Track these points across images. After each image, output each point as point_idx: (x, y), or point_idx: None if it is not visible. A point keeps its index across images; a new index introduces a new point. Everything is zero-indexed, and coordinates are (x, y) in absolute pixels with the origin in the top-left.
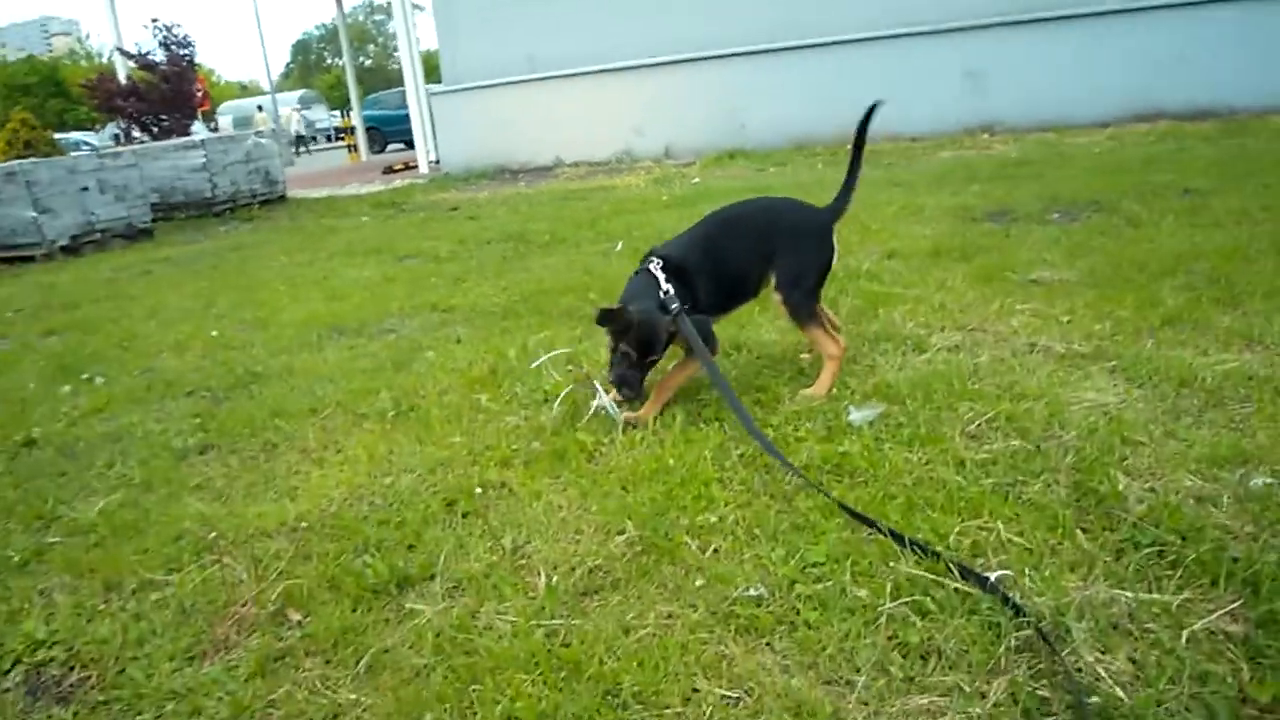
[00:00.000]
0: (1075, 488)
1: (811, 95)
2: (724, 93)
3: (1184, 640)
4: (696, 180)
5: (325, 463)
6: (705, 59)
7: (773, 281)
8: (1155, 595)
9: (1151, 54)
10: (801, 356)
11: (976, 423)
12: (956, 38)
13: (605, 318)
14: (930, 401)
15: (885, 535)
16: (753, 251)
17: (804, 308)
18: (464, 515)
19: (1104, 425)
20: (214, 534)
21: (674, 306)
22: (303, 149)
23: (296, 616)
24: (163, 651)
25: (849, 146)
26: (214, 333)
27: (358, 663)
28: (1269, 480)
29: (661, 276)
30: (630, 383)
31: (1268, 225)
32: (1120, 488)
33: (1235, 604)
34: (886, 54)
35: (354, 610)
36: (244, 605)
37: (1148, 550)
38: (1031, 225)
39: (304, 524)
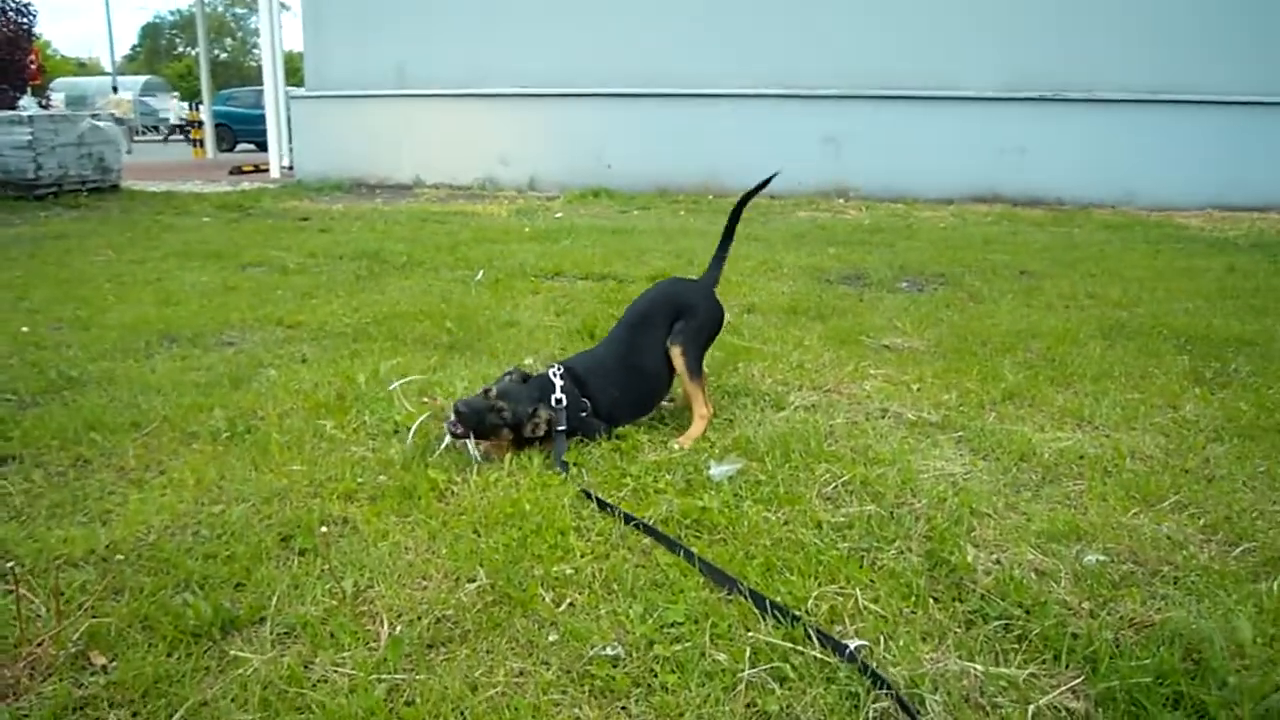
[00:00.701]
0: (928, 556)
1: (677, 143)
2: (592, 131)
3: (1030, 716)
4: (560, 215)
5: (146, 485)
6: (576, 95)
7: (673, 345)
8: (1004, 669)
9: (997, 141)
10: (663, 403)
11: (833, 485)
12: (818, 104)
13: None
14: (788, 460)
15: (746, 598)
16: (661, 330)
17: (697, 363)
18: (301, 552)
19: (952, 495)
20: (9, 560)
21: (560, 428)
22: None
23: (101, 661)
24: None
25: (710, 197)
26: (24, 328)
27: (170, 717)
28: (1101, 558)
29: (559, 383)
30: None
31: (1094, 311)
32: (969, 558)
33: (1076, 680)
34: (751, 111)
35: (169, 655)
36: (40, 645)
37: (996, 623)
38: (883, 291)
39: (117, 554)
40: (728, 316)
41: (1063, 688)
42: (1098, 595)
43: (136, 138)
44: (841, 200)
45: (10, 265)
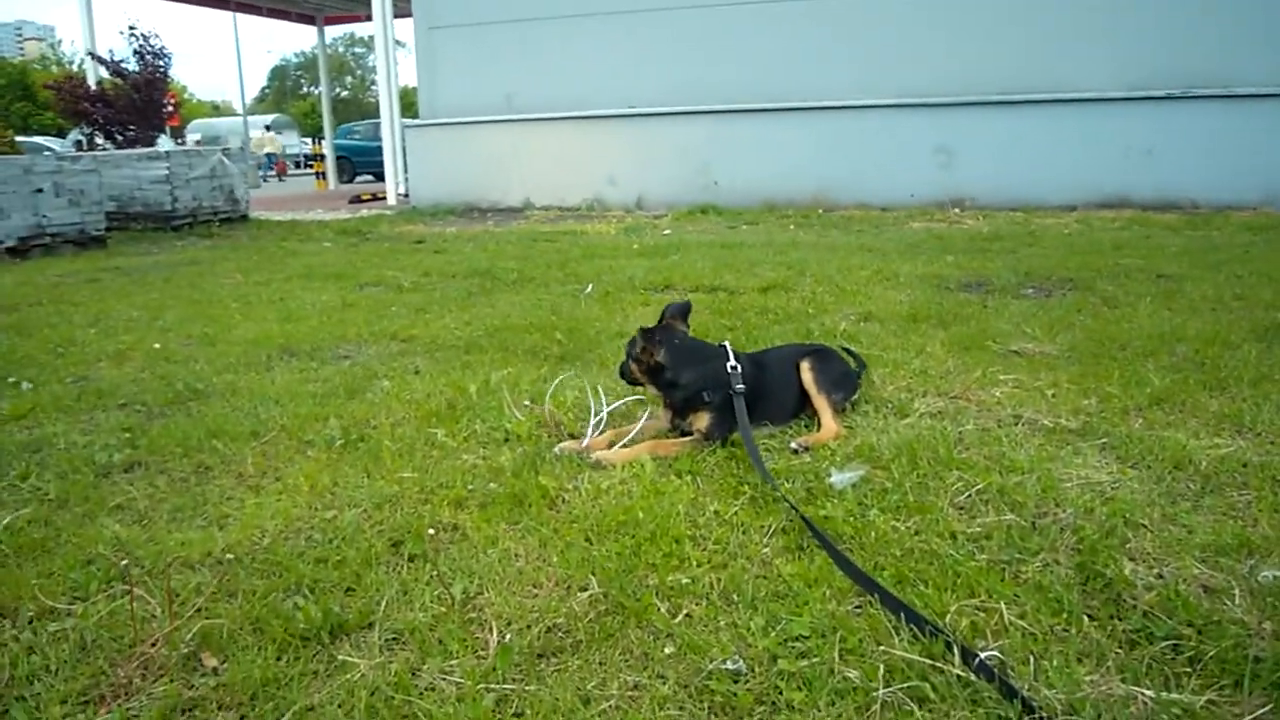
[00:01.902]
0: (1078, 570)
1: (784, 158)
2: (698, 148)
3: None
4: (668, 231)
5: (262, 490)
6: (681, 114)
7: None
8: (1177, 695)
9: (1121, 143)
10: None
11: (966, 494)
12: (929, 113)
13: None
14: (916, 468)
15: (889, 607)
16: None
17: (826, 379)
18: (410, 558)
19: (1100, 505)
20: (128, 560)
21: (738, 387)
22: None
23: (212, 662)
24: (55, 692)
25: (820, 211)
26: (156, 345)
27: None
28: (1279, 574)
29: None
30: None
31: (1243, 314)
32: (1127, 572)
33: (1263, 709)
34: (859, 124)
35: (278, 659)
36: (153, 644)
37: (1162, 643)
38: (1008, 298)
39: (231, 556)
40: (843, 325)
41: (1248, 717)
42: (1279, 615)
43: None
44: (957, 210)
45: (147, 289)
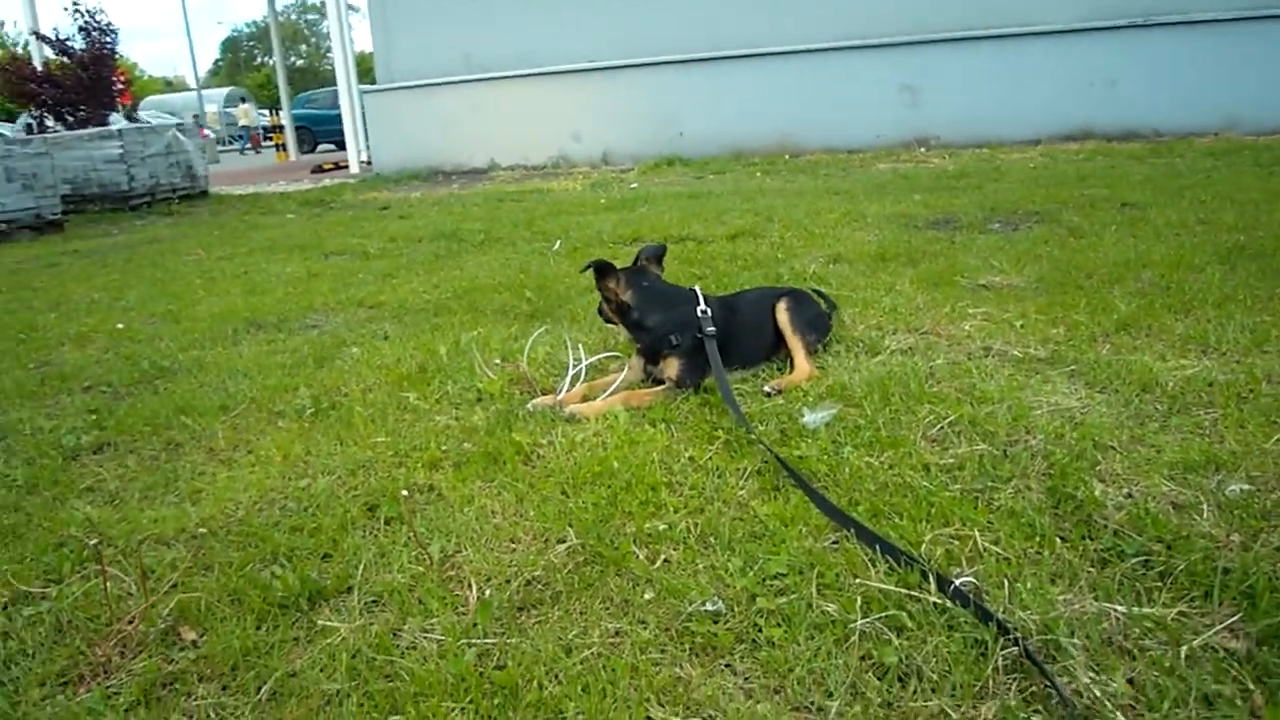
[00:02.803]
0: (1049, 494)
1: (748, 105)
2: (662, 100)
3: (1183, 659)
4: (635, 185)
5: (234, 464)
6: (643, 65)
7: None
8: (1148, 609)
9: (1084, 75)
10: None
11: (938, 426)
12: (892, 52)
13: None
14: (888, 404)
15: (865, 540)
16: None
17: (801, 320)
18: (387, 521)
19: (1071, 430)
20: (99, 540)
21: (709, 330)
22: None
23: (190, 635)
24: (33, 675)
25: (786, 156)
26: (120, 325)
27: (259, 689)
28: (1246, 487)
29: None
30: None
31: (1208, 237)
32: (1097, 493)
33: (1233, 618)
34: (823, 66)
35: (258, 628)
36: (130, 622)
37: (1133, 560)
38: (975, 233)
39: (205, 530)
40: (812, 267)
41: (1218, 626)
42: (1247, 526)
43: (221, 147)
44: (923, 149)
45: (108, 270)
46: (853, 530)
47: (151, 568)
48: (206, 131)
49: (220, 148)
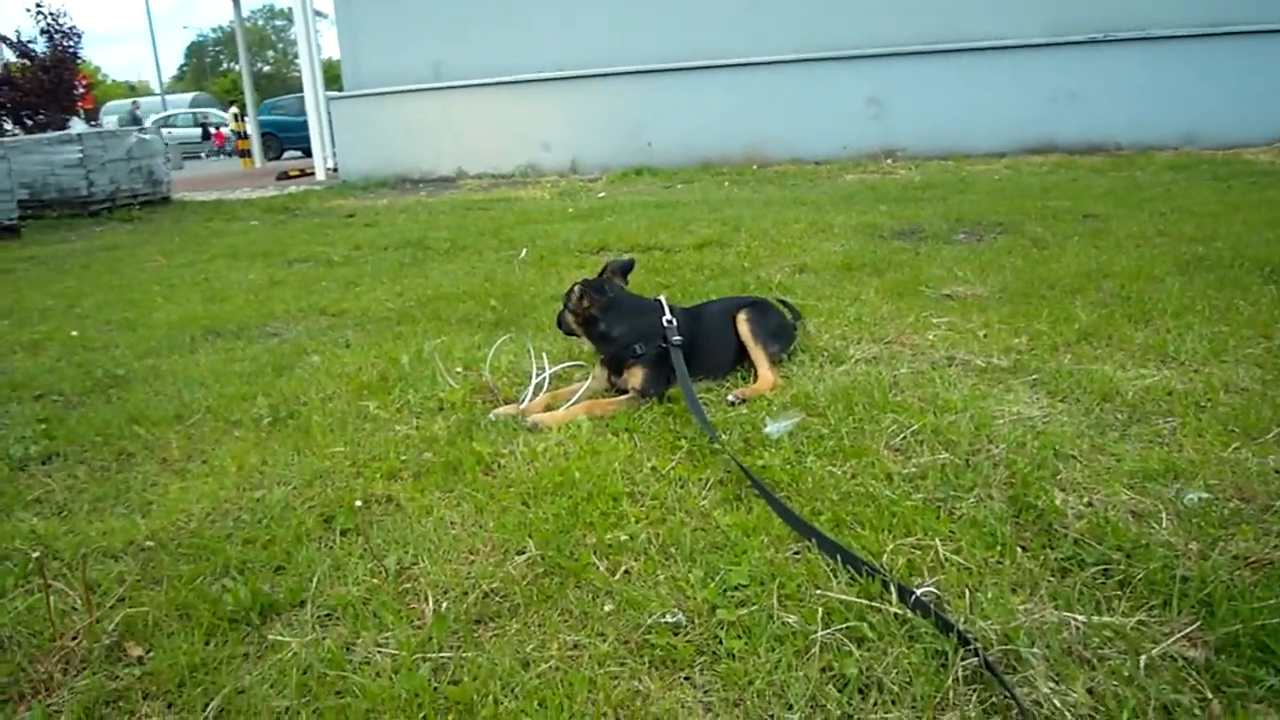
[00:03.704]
0: (1011, 503)
1: (717, 116)
2: (631, 110)
3: (1143, 668)
4: (603, 194)
5: (187, 474)
6: (612, 75)
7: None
8: (1108, 618)
9: (1048, 89)
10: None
11: (901, 435)
12: (859, 65)
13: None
14: (851, 413)
15: (826, 550)
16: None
17: (763, 330)
18: (343, 533)
19: (1032, 439)
20: (43, 553)
21: (675, 339)
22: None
23: (136, 651)
24: None
25: (755, 167)
26: (74, 333)
27: (206, 706)
28: (1204, 495)
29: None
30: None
31: (1167, 248)
32: (1058, 502)
33: (1192, 626)
34: (791, 78)
35: (206, 643)
36: (74, 638)
37: (1093, 569)
38: (940, 244)
39: (153, 542)
40: (778, 277)
41: (1177, 635)
42: (1205, 535)
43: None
44: (889, 161)
45: (64, 277)
46: (814, 540)
47: (98, 582)
48: (224, 132)
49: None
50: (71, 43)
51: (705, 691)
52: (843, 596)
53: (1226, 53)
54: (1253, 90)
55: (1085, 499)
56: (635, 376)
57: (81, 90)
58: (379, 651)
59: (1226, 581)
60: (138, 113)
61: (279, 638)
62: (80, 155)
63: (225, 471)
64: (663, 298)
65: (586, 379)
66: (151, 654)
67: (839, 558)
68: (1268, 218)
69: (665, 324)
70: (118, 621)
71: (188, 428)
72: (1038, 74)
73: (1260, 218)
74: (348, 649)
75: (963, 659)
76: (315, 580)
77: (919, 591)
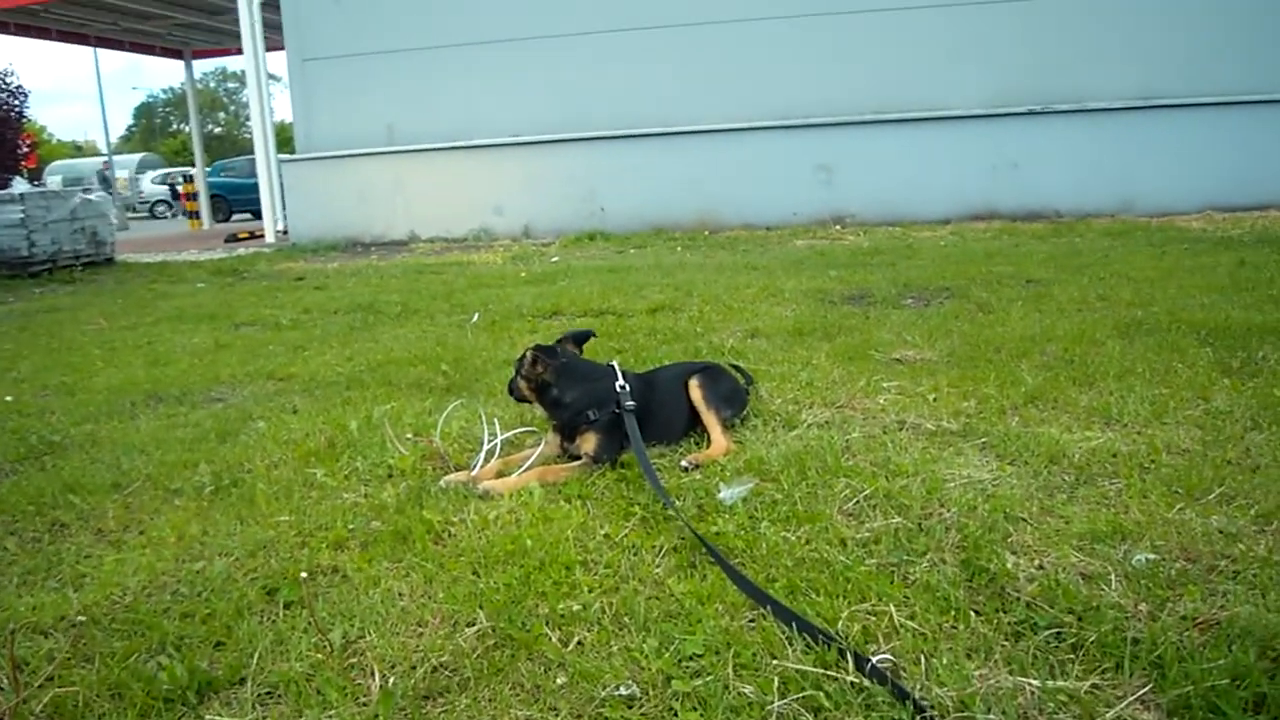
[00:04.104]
0: (963, 566)
1: (669, 182)
2: (584, 175)
3: None
4: (556, 259)
5: (124, 545)
6: (565, 141)
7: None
8: (1062, 682)
9: (990, 158)
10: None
11: (854, 500)
12: (808, 133)
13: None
14: (805, 478)
15: (782, 618)
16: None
17: (715, 395)
18: (286, 605)
19: (983, 502)
20: None
21: (629, 404)
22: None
23: None
24: None
25: (707, 233)
26: (9, 398)
27: None
28: (1151, 556)
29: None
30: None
31: (1107, 312)
32: (1009, 566)
33: (1144, 689)
34: (741, 145)
35: None
36: None
37: (1046, 632)
38: (889, 308)
39: (85, 618)
40: (730, 342)
41: (1130, 698)
42: (1154, 596)
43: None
44: (838, 227)
45: (0, 339)
46: (770, 608)
47: (25, 659)
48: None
49: (130, 214)
50: (18, 101)
51: None
52: (799, 665)
53: (1160, 125)
54: (1185, 160)
55: (1036, 561)
56: (588, 442)
57: (26, 150)
58: None
59: (1176, 643)
60: (108, 173)
61: (216, 717)
62: (22, 215)
63: (164, 542)
64: (615, 363)
65: (539, 445)
66: None
67: (794, 625)
68: (1201, 283)
69: (618, 389)
70: (46, 702)
71: (125, 496)
72: (981, 143)
73: (1194, 283)
74: None
75: None
76: (256, 656)
77: (875, 659)
